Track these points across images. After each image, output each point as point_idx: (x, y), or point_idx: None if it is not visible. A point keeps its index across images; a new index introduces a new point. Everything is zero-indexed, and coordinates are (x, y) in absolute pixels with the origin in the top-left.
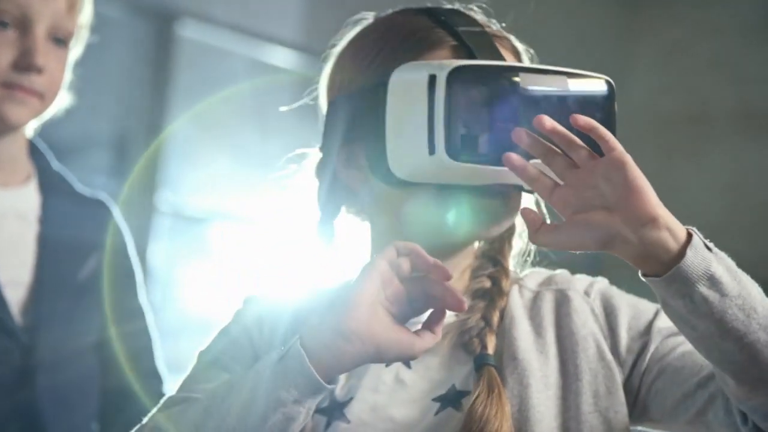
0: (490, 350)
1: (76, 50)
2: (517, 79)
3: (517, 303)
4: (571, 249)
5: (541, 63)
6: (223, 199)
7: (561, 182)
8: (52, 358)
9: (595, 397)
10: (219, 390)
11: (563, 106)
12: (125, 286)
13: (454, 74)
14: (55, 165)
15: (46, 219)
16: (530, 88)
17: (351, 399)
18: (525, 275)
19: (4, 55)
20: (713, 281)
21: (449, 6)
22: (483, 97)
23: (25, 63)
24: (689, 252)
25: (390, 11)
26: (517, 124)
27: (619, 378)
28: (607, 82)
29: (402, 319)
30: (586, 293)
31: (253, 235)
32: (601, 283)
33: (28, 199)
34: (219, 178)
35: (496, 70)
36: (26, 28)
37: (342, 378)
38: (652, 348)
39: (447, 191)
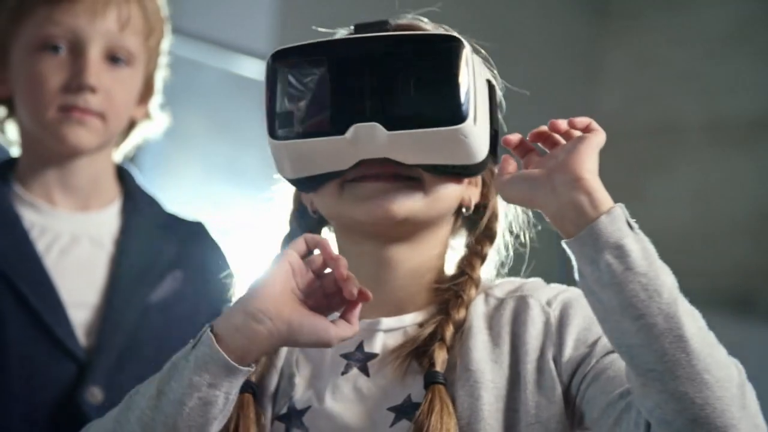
0: (439, 366)
1: (158, 71)
2: (337, 50)
3: (479, 312)
4: (508, 201)
5: (509, 73)
6: (195, 210)
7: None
8: (112, 379)
9: (537, 408)
10: (142, 385)
11: (404, 68)
12: (211, 308)
13: (277, 58)
14: (144, 190)
15: (121, 242)
16: (355, 56)
17: (309, 407)
18: (497, 283)
19: (57, 78)
20: (621, 251)
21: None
22: (300, 75)
23: (76, 84)
24: (604, 217)
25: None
26: (332, 94)
27: (559, 388)
28: (453, 38)
29: (321, 312)
30: (548, 303)
31: (226, 247)
32: (569, 293)
33: (106, 222)
34: (191, 189)
35: (314, 45)
36: (79, 50)
37: (301, 386)
38: (593, 360)
39: (319, 180)
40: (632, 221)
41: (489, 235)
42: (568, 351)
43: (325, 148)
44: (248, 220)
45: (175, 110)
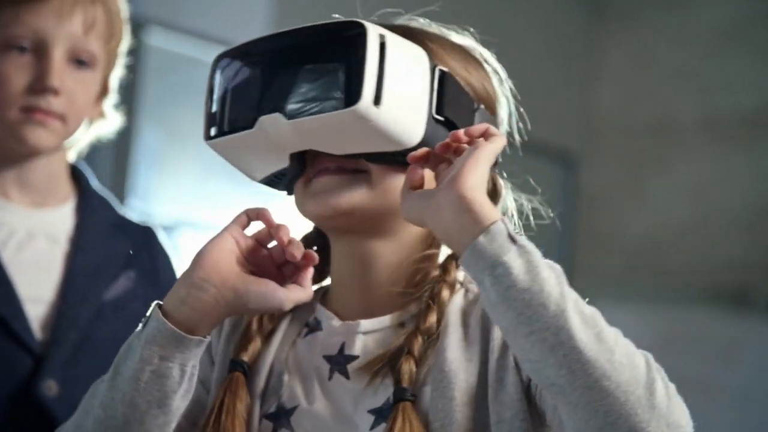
0: (406, 381)
1: (115, 72)
2: (249, 49)
3: (456, 307)
4: (407, 221)
5: (508, 72)
6: (192, 207)
7: None
8: (67, 372)
9: (501, 406)
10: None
11: (305, 59)
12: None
13: (218, 61)
14: (97, 189)
15: (76, 240)
16: (263, 53)
17: (296, 407)
18: None
19: (21, 79)
20: (503, 269)
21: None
22: (223, 76)
23: (40, 85)
24: (482, 237)
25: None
26: (243, 91)
27: (520, 386)
28: (352, 23)
29: (277, 282)
30: None
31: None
32: None
33: (61, 219)
34: (188, 186)
35: (236, 48)
36: (43, 51)
37: (289, 385)
38: None
39: (288, 182)
40: (515, 233)
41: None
42: None
43: (247, 144)
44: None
45: (172, 108)
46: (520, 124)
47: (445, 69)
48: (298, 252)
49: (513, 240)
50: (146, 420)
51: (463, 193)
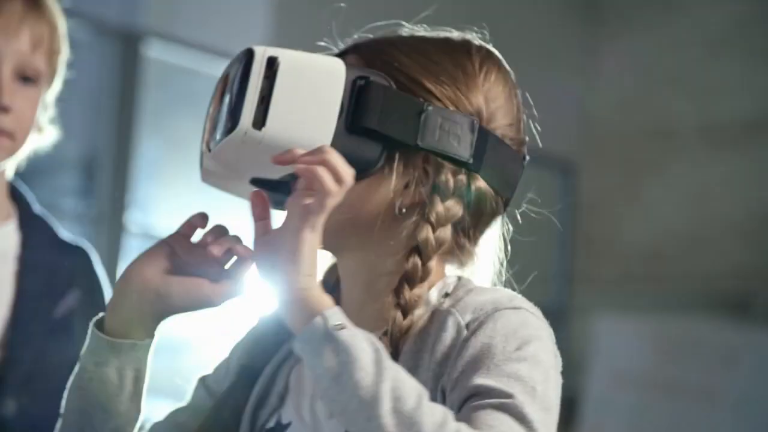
0: None
1: (53, 87)
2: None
3: (419, 337)
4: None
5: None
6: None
7: None
8: (24, 390)
9: None
10: None
11: (225, 88)
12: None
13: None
14: (37, 208)
15: (24, 258)
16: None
17: (290, 423)
18: (466, 301)
19: None
20: (318, 371)
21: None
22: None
23: None
24: (300, 335)
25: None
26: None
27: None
28: (247, 51)
29: (218, 279)
30: (468, 324)
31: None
32: (499, 316)
33: (6, 238)
34: (188, 197)
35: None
36: None
37: (289, 401)
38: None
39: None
40: (336, 327)
41: (417, 248)
42: (452, 374)
43: (219, 178)
44: (244, 229)
45: (171, 119)
46: (534, 128)
47: (371, 79)
48: (218, 249)
49: (330, 338)
50: (96, 425)
51: (281, 290)
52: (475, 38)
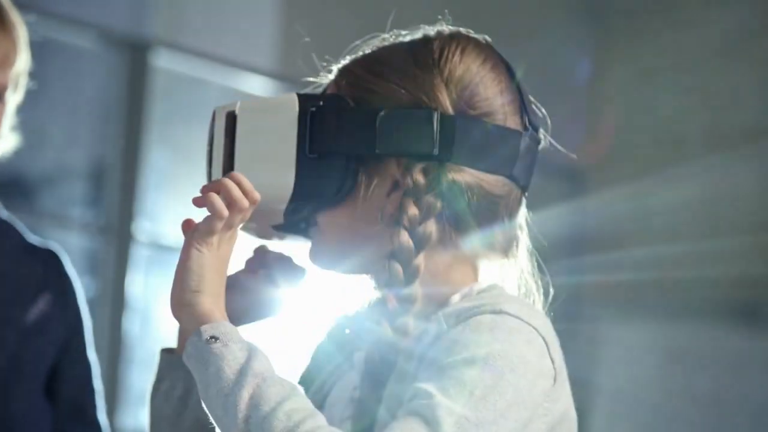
0: None
1: (15, 97)
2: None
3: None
4: None
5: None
6: None
7: None
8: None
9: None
10: None
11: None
12: (71, 337)
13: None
14: (3, 214)
15: None
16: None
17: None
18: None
19: None
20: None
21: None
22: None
23: None
24: (183, 356)
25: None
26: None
27: None
28: (215, 110)
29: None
30: (450, 324)
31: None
32: (483, 318)
33: None
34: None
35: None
36: None
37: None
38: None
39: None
40: (207, 342)
41: (393, 254)
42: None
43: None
44: (254, 239)
45: (179, 129)
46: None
47: (321, 103)
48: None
49: (201, 352)
50: None
51: (173, 311)
52: (445, 28)
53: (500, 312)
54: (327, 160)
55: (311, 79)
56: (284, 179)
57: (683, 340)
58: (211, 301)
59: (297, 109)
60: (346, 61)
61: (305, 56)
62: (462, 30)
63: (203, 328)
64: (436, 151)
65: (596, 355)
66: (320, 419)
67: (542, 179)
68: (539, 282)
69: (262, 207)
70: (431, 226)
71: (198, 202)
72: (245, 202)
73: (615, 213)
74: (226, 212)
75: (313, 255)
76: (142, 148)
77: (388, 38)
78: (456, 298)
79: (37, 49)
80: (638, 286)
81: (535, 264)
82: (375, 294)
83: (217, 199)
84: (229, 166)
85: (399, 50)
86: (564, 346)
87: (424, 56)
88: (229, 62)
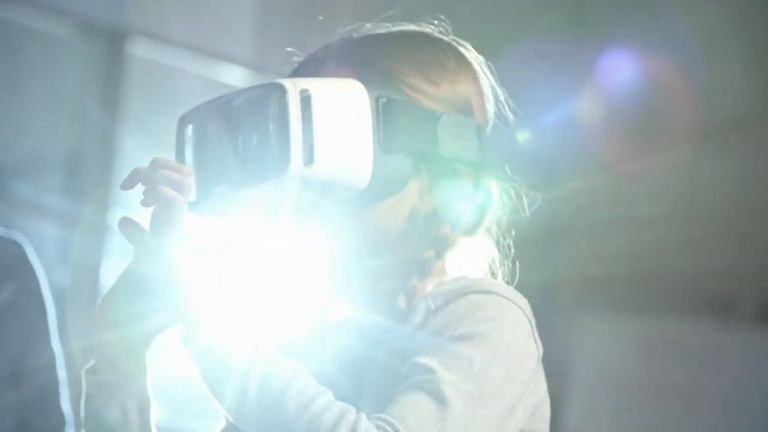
0: None
1: None
2: (207, 113)
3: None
4: None
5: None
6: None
7: None
8: None
9: None
10: None
11: (248, 125)
12: (35, 326)
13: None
14: None
15: None
16: (216, 118)
17: None
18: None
19: None
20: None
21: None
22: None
23: None
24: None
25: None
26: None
27: None
28: (278, 85)
29: None
30: (437, 307)
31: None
32: (470, 299)
33: None
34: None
35: (197, 109)
36: None
37: None
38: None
39: None
40: (212, 333)
41: (435, 244)
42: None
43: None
44: (225, 232)
45: (156, 119)
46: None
47: (391, 96)
48: None
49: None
50: None
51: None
52: (434, 30)
53: (490, 292)
54: (395, 154)
55: (297, 58)
56: (362, 169)
57: (659, 332)
58: (205, 285)
59: (367, 98)
60: (352, 45)
61: (284, 46)
62: (456, 39)
63: (204, 315)
64: (479, 159)
65: (571, 347)
66: (329, 396)
67: (518, 169)
68: (506, 271)
69: (330, 187)
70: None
71: (148, 201)
72: (187, 179)
73: (592, 204)
74: (181, 197)
75: (345, 243)
76: (119, 138)
77: (377, 28)
78: (436, 286)
79: (13, 38)
80: (613, 279)
81: (504, 253)
82: (364, 287)
83: (167, 190)
84: (308, 152)
85: (427, 52)
86: (541, 338)
87: (449, 64)
88: (207, 52)
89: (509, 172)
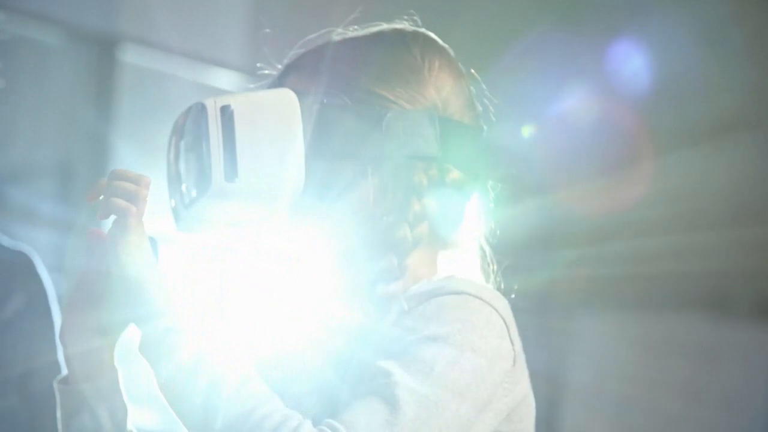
0: None
1: None
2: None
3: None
4: None
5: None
6: (169, 224)
7: None
8: None
9: None
10: None
11: (187, 142)
12: (42, 336)
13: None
14: None
15: None
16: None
17: None
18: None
19: None
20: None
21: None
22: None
23: None
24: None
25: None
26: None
27: None
28: (197, 105)
29: None
30: (413, 306)
31: (202, 259)
32: (446, 300)
33: None
34: (164, 204)
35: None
36: None
37: None
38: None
39: None
40: (166, 336)
41: (394, 247)
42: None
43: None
44: (215, 237)
45: (147, 124)
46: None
47: (326, 101)
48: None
49: (158, 350)
50: None
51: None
52: (406, 26)
53: (461, 293)
54: (335, 159)
55: (267, 72)
56: (293, 177)
57: (656, 332)
58: (159, 292)
59: (297, 105)
60: (307, 55)
61: (275, 51)
62: (424, 31)
63: (158, 321)
64: (438, 153)
65: (568, 348)
66: (275, 403)
67: (513, 172)
68: (494, 272)
69: (260, 199)
70: (426, 226)
71: (103, 213)
72: (143, 190)
73: (588, 204)
74: (134, 207)
75: (312, 249)
76: (111, 144)
77: (343, 33)
78: (415, 287)
79: (4, 45)
80: (610, 280)
81: (489, 256)
82: (347, 287)
83: (119, 201)
84: (231, 163)
85: (384, 51)
86: (536, 340)
87: (410, 61)
88: (198, 58)
89: (491, 169)
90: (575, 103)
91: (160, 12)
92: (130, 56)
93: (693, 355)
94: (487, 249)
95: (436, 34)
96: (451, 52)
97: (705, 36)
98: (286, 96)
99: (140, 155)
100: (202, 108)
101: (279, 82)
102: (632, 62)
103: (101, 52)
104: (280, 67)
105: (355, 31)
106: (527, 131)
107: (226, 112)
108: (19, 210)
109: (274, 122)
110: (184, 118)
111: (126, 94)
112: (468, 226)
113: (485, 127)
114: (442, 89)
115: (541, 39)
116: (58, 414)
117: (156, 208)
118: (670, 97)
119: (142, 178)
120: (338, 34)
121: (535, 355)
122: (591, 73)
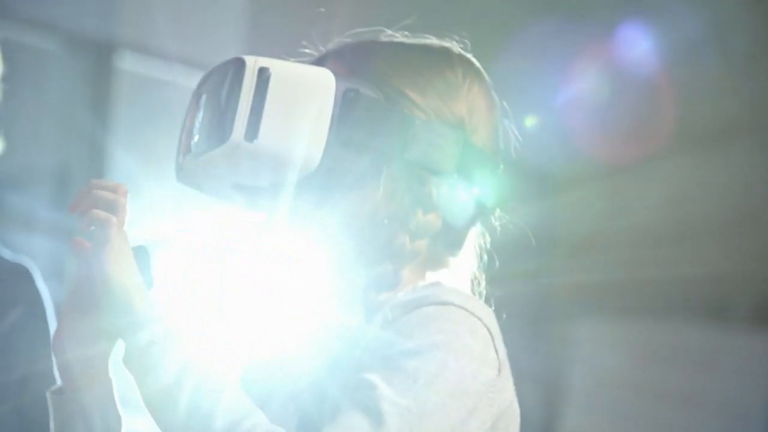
0: None
1: None
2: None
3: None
4: None
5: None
6: (166, 229)
7: None
8: None
9: None
10: None
11: (211, 98)
12: (40, 349)
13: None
14: None
15: None
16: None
17: None
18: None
19: None
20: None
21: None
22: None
23: None
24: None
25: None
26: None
27: None
28: (239, 60)
29: None
30: (395, 314)
31: (199, 264)
32: (427, 310)
33: None
34: (163, 211)
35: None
36: None
37: None
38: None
39: None
40: (148, 349)
41: (391, 255)
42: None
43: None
44: (214, 240)
45: (146, 132)
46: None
47: (361, 91)
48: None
49: (141, 363)
50: None
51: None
52: (455, 46)
53: (445, 303)
54: (354, 150)
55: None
56: (310, 154)
57: (655, 338)
58: (141, 302)
59: (334, 88)
60: (351, 46)
61: (272, 57)
62: (471, 56)
63: (140, 333)
64: (454, 172)
65: (568, 355)
66: (258, 418)
67: (513, 179)
68: (483, 282)
69: (270, 167)
70: (425, 243)
71: (83, 225)
72: (122, 199)
73: (586, 209)
74: (113, 217)
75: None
76: (108, 151)
77: (392, 35)
78: (401, 294)
79: (1, 51)
80: (609, 286)
81: (481, 265)
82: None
83: (98, 212)
84: (253, 127)
85: (427, 61)
86: (536, 347)
87: (450, 76)
88: (196, 65)
89: (500, 202)
90: (574, 107)
91: (158, 19)
92: (128, 63)
93: (692, 361)
94: (481, 276)
95: (440, 26)
96: (491, 83)
97: (707, 39)
98: (325, 75)
99: (138, 161)
100: (241, 64)
101: (317, 63)
102: (632, 65)
103: (99, 58)
104: (322, 49)
105: (404, 37)
106: (527, 126)
107: (263, 74)
108: (17, 216)
109: (307, 96)
110: (217, 73)
111: (124, 101)
112: (465, 254)
113: (502, 165)
114: (475, 113)
115: (539, 43)
116: (51, 425)
117: (152, 214)
118: (670, 102)
119: (119, 186)
120: (387, 35)
121: (533, 362)
122: (590, 77)
